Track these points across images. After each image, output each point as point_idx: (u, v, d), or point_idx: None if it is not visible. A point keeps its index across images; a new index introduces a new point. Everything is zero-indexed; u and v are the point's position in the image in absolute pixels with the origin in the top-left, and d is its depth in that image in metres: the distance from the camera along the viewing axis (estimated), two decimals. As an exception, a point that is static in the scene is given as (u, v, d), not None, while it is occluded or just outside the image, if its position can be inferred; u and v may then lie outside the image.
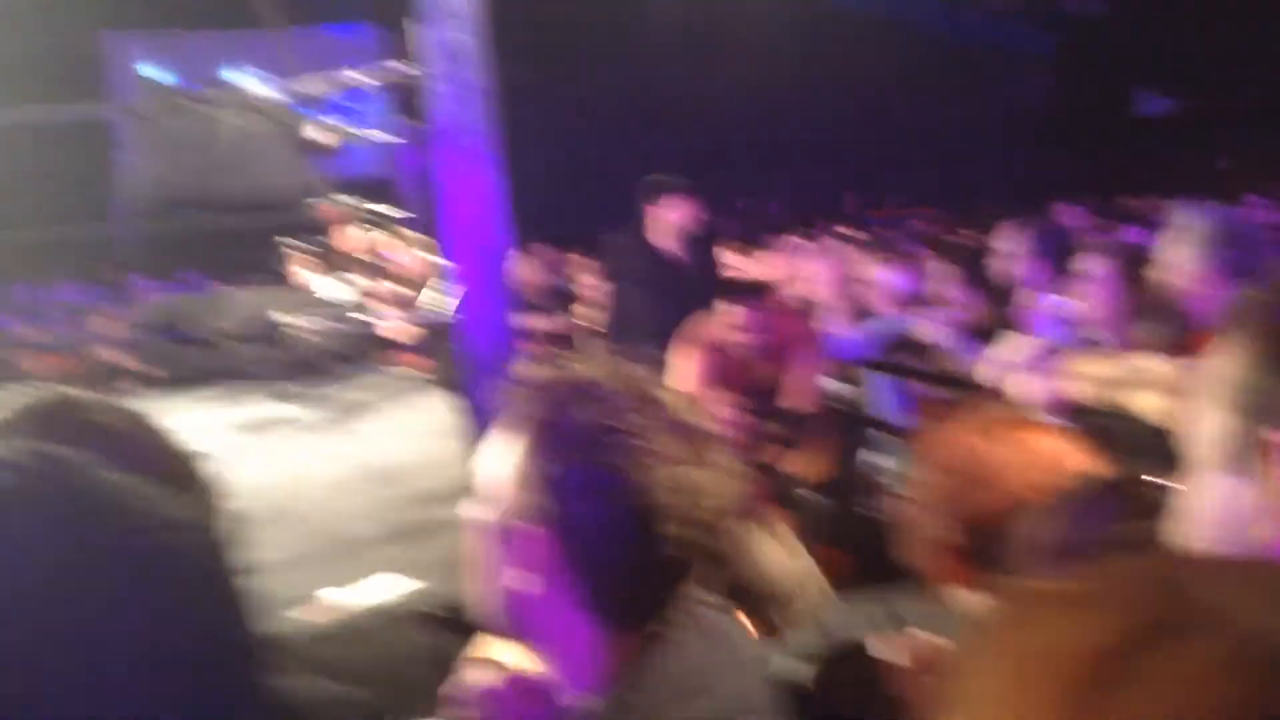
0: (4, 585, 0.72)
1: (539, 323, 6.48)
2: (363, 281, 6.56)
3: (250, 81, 3.37)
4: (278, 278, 6.94)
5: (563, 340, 6.28)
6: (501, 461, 1.06)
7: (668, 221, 4.72)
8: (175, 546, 0.80)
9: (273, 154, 3.37)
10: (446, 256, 4.02)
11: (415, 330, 7.11)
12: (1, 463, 0.78)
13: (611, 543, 1.02)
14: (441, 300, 4.59)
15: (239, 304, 4.00)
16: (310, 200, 5.22)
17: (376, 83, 4.27)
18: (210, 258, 10.29)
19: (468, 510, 1.11)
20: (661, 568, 1.03)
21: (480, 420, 3.79)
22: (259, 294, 5.61)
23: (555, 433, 1.03)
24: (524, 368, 1.12)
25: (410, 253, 6.86)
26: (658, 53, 14.60)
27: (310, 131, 3.52)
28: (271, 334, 3.81)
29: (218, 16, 11.43)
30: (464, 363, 4.02)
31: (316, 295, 5.93)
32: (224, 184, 3.37)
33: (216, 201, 3.47)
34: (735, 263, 6.27)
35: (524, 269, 6.62)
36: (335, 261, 7.35)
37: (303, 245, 7.05)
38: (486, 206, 3.80)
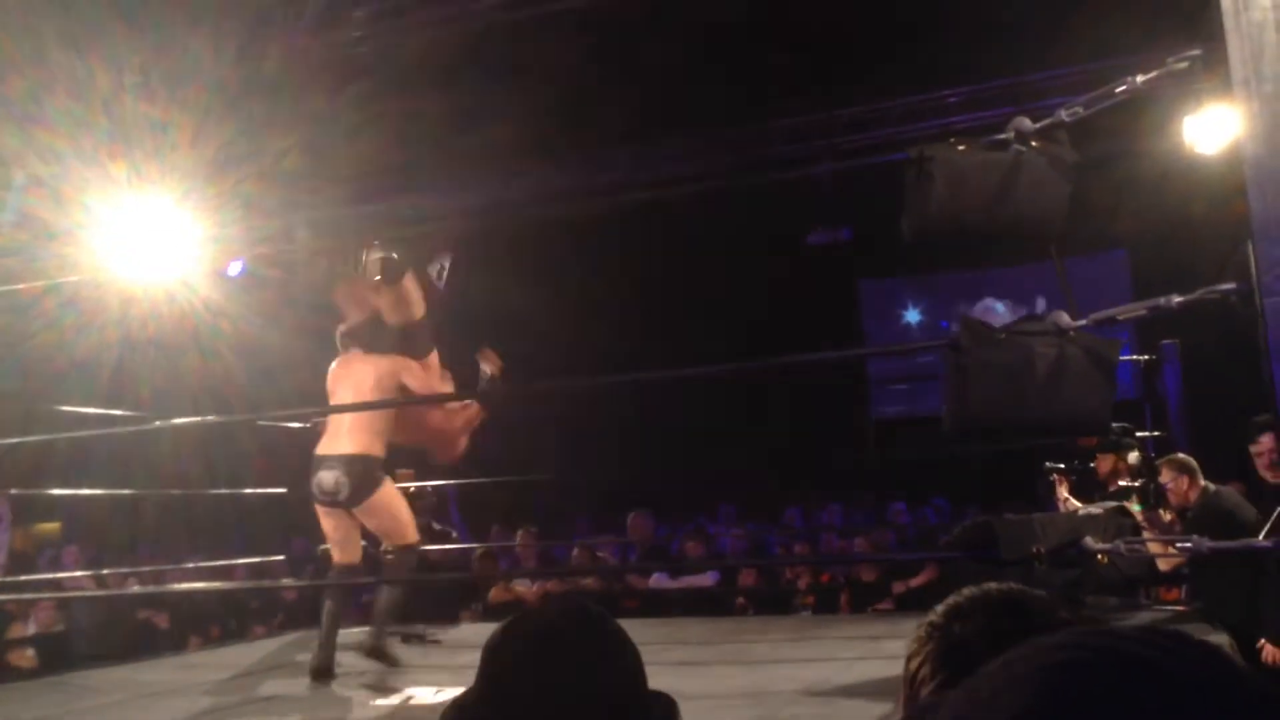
0: None
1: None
2: (1134, 507, 6.29)
3: (1056, 314, 3.57)
4: (1035, 504, 6.96)
5: None
6: None
7: None
8: None
9: (1083, 379, 3.50)
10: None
11: (1180, 562, 6.57)
12: None
13: None
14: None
15: (1053, 528, 4.10)
16: (1114, 424, 5.25)
17: (1137, 315, 4.21)
18: (962, 481, 10.69)
19: None
20: None
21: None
22: (1071, 520, 5.66)
23: None
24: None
25: (1172, 476, 6.45)
26: None
27: (1109, 354, 3.60)
28: (1085, 560, 3.84)
29: (966, 257, 12.24)
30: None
31: (1106, 521, 5.84)
32: (1037, 410, 3.56)
33: (1028, 427, 3.67)
34: None
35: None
36: (1097, 486, 7.17)
37: (1066, 469, 7.00)
38: None
